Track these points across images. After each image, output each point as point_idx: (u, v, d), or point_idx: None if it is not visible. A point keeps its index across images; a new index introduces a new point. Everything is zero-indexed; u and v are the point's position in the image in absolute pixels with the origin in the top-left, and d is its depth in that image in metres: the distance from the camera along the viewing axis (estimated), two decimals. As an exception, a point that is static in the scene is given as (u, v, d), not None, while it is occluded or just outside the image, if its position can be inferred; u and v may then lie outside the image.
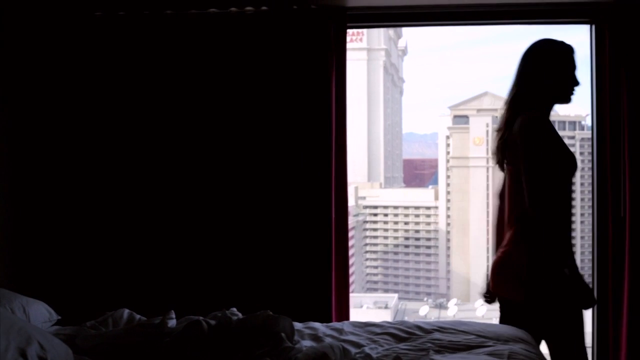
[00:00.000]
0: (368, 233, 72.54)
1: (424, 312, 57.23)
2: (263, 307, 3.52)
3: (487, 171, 69.89)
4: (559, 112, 72.11)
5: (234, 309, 3.57)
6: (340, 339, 3.43)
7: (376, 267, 74.40)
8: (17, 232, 4.67)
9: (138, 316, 3.70)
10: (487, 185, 70.05)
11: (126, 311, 3.72)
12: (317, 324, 3.69)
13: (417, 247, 74.22)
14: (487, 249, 69.81)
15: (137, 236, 4.70)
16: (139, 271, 4.68)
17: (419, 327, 3.57)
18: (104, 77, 4.72)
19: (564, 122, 71.51)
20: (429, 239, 73.73)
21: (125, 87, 4.71)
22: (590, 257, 4.77)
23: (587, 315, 4.58)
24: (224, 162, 4.65)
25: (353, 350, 3.20)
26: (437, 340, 3.35)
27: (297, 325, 3.55)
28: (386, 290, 69.25)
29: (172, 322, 3.45)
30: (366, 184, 75.67)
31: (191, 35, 4.66)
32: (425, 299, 68.59)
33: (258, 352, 3.03)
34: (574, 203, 3.43)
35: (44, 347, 2.80)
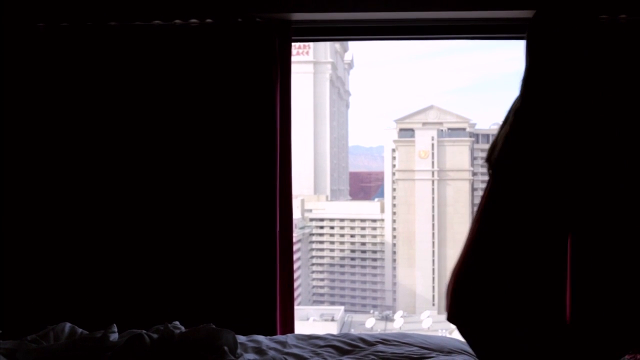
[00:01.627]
0: (314, 245, 72.78)
1: (370, 324, 57.55)
2: (206, 320, 3.52)
3: (432, 184, 70.64)
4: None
5: (177, 323, 3.56)
6: (284, 352, 3.44)
7: (322, 280, 74.65)
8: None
9: (80, 330, 3.67)
10: (433, 198, 70.77)
11: (68, 325, 3.69)
12: (260, 337, 3.69)
13: (364, 259, 74.65)
14: (433, 261, 70.48)
15: (75, 248, 4.65)
16: (80, 284, 4.62)
17: (363, 340, 3.60)
18: (46, 89, 4.67)
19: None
20: (375, 252, 74.22)
21: (69, 99, 4.66)
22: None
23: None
24: (165, 175, 4.62)
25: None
26: (380, 352, 3.38)
27: (241, 338, 3.56)
28: (332, 303, 69.50)
29: (114, 336, 3.43)
30: (312, 197, 75.94)
31: (135, 48, 4.63)
32: (371, 311, 68.98)
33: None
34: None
35: (-17, 362, 2.76)
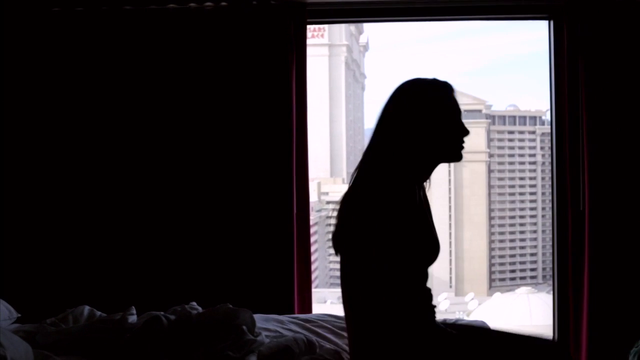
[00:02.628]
0: (331, 228, 72.70)
1: (387, 306, 57.41)
2: (224, 302, 3.53)
3: (449, 166, 70.35)
4: (520, 107, 72.88)
5: (194, 303, 3.57)
6: (308, 327, 3.47)
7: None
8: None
9: (98, 313, 3.69)
10: (449, 180, 70.53)
11: (86, 308, 3.71)
12: (282, 316, 3.72)
13: (380, 242, 74.50)
14: (450, 242, 70.36)
15: (95, 232, 4.66)
16: (98, 268, 4.65)
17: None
18: (62, 75, 4.68)
19: (524, 117, 72.14)
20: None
21: (82, 84, 4.67)
22: (551, 251, 4.83)
23: (549, 307, 4.63)
24: (184, 158, 4.62)
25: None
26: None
27: (259, 317, 3.57)
28: (350, 285, 69.32)
29: (133, 318, 3.44)
30: (329, 180, 75.74)
31: (150, 31, 4.63)
32: (388, 293, 68.86)
33: (220, 346, 3.03)
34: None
35: (3, 344, 2.77)
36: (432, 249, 2.67)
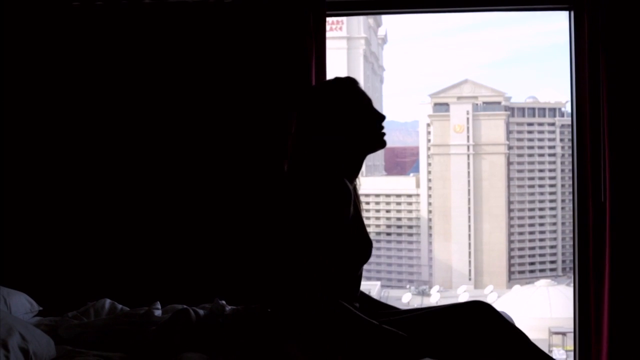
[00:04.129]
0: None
1: (406, 299, 57.49)
2: (245, 298, 3.53)
3: (468, 158, 70.28)
4: (539, 99, 72.59)
5: (223, 302, 3.57)
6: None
7: (359, 255, 74.57)
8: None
9: (120, 306, 3.70)
10: (468, 172, 70.39)
11: (108, 301, 3.71)
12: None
13: (399, 234, 74.55)
14: (469, 235, 70.21)
15: (117, 227, 4.67)
16: (120, 262, 4.66)
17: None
18: (83, 69, 4.69)
19: (543, 109, 71.85)
20: (410, 227, 74.08)
21: (104, 78, 4.68)
22: (572, 243, 4.81)
23: (569, 300, 4.59)
24: (206, 152, 4.62)
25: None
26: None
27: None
28: (369, 278, 69.40)
29: (158, 312, 3.44)
30: (348, 173, 75.74)
31: (170, 25, 4.64)
32: (407, 286, 68.94)
33: (247, 342, 3.03)
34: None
35: (26, 338, 2.79)
36: (364, 249, 2.75)
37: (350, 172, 2.81)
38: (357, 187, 2.90)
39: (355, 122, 2.77)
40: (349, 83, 2.83)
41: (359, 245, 2.73)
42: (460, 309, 2.67)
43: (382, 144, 2.82)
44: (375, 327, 2.58)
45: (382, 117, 2.81)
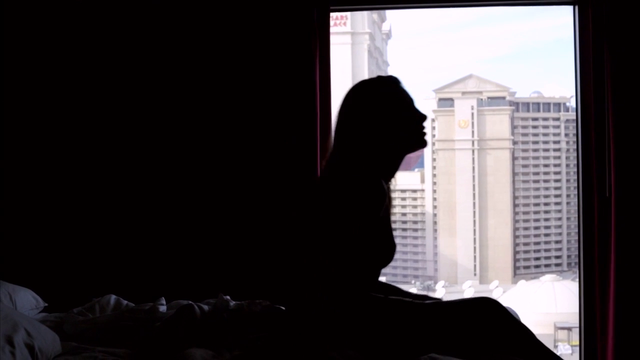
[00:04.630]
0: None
1: (411, 294, 57.33)
2: (249, 294, 3.52)
3: (473, 153, 70.08)
4: (544, 93, 72.38)
5: (228, 297, 3.57)
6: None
7: (364, 251, 74.52)
8: (0, 219, 4.65)
9: (125, 302, 3.70)
10: (473, 168, 70.20)
11: (113, 297, 3.72)
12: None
13: (404, 230, 74.31)
14: (474, 230, 70.08)
15: (122, 223, 4.69)
16: (125, 259, 4.67)
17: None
18: (86, 67, 4.69)
19: (548, 104, 71.66)
20: (415, 222, 73.87)
21: (110, 76, 4.69)
22: (577, 238, 4.80)
23: (574, 295, 4.58)
24: (208, 148, 4.64)
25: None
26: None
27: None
28: (374, 274, 69.22)
29: (163, 308, 3.45)
30: (352, 168, 75.64)
31: (173, 20, 4.64)
32: (413, 281, 68.78)
33: (251, 337, 3.03)
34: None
35: (31, 334, 2.79)
36: (387, 252, 2.76)
37: (387, 172, 2.81)
38: (391, 187, 2.89)
39: (398, 121, 2.75)
40: (392, 82, 2.81)
41: (383, 248, 2.74)
42: (468, 305, 2.67)
43: (422, 144, 2.83)
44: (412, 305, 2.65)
45: (424, 117, 2.81)
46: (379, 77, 2.86)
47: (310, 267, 2.59)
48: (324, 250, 2.56)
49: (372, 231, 2.64)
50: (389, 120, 2.74)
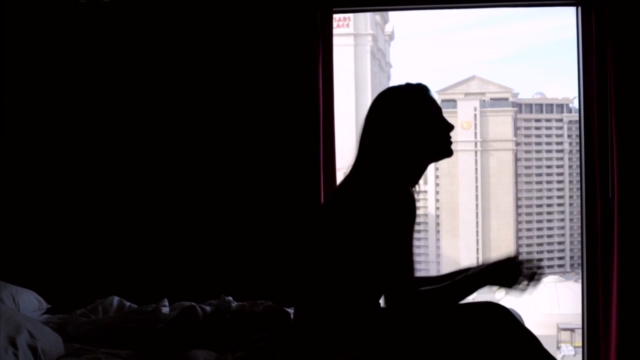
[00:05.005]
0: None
1: (414, 295, 57.41)
2: (251, 294, 3.52)
3: (476, 155, 70.11)
4: (547, 95, 72.42)
5: (230, 298, 3.57)
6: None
7: (366, 252, 74.59)
8: (3, 221, 4.65)
9: (128, 303, 3.70)
10: (476, 169, 70.26)
11: (116, 298, 3.72)
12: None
13: (407, 231, 74.30)
14: (477, 232, 70.11)
15: (125, 225, 4.69)
16: (127, 260, 4.67)
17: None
18: (89, 67, 4.70)
19: (551, 105, 71.67)
20: (418, 223, 73.89)
21: (113, 76, 4.69)
22: (580, 239, 4.80)
23: (577, 296, 4.59)
24: (211, 149, 4.63)
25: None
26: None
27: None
28: (377, 275, 69.32)
29: (166, 310, 3.45)
30: (355, 170, 75.71)
31: (176, 22, 4.64)
32: (415, 282, 68.74)
33: (253, 337, 3.04)
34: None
35: (34, 335, 2.79)
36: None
37: (412, 180, 2.77)
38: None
39: (425, 130, 2.72)
40: (420, 90, 2.78)
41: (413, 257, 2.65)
42: (474, 309, 2.66)
43: (449, 153, 2.79)
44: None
45: (451, 127, 2.77)
46: (408, 85, 2.81)
47: (333, 278, 2.60)
48: (354, 259, 2.55)
49: (410, 240, 2.59)
50: (417, 128, 2.71)
